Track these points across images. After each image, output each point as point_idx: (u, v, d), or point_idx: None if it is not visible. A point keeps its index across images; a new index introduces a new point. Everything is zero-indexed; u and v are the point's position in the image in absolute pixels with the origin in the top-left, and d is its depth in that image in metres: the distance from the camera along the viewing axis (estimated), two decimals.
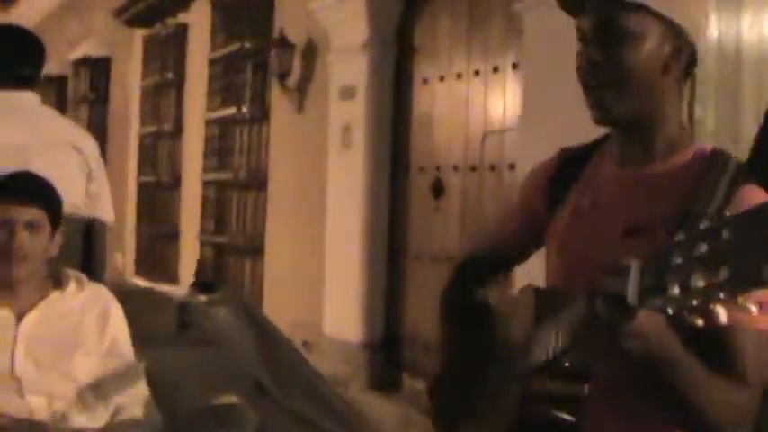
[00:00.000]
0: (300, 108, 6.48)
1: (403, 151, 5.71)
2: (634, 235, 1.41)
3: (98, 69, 10.87)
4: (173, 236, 8.65)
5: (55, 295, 2.42)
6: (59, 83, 11.65)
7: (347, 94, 5.84)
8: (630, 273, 1.14)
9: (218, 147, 7.72)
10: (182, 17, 8.68)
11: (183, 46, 8.65)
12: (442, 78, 5.42)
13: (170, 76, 8.82)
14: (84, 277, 2.53)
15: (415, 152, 5.64)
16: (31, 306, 2.38)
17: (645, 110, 1.46)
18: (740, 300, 1.04)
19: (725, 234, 1.04)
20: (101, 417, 2.38)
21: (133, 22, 9.48)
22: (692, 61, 1.48)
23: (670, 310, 1.09)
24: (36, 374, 2.32)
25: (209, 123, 7.89)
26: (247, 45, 7.20)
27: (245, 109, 7.20)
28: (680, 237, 1.09)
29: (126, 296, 2.65)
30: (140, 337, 2.61)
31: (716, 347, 1.34)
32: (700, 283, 1.05)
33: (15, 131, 2.91)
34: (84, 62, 10.98)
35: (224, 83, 7.66)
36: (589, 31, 1.46)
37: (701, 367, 1.31)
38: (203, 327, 3.15)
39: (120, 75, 10.34)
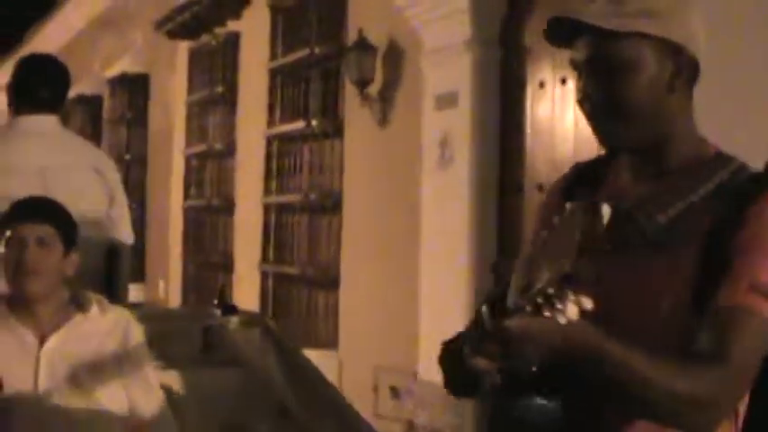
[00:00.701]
0: (384, 120, 5.71)
1: (515, 167, 4.91)
2: None
3: (136, 87, 10.26)
4: (225, 265, 7.89)
5: (78, 318, 2.49)
6: (95, 103, 11.06)
7: (446, 101, 5.06)
8: (512, 278, 1.29)
9: (281, 166, 6.98)
10: (232, 25, 7.97)
11: (234, 56, 7.93)
12: (563, 81, 4.64)
13: (220, 89, 8.08)
14: (105, 300, 2.60)
15: (530, 168, 4.84)
16: (54, 328, 2.45)
17: (654, 132, 1.46)
18: (572, 297, 1.18)
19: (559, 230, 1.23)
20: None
21: (176, 34, 8.78)
22: (696, 72, 1.48)
23: (528, 308, 1.22)
24: (58, 398, 2.38)
25: (269, 140, 7.14)
26: (316, 51, 6.44)
27: (314, 123, 6.43)
28: (543, 234, 1.28)
29: (149, 318, 2.72)
30: (164, 360, 2.72)
31: (712, 325, 1.36)
32: (545, 277, 1.21)
33: (36, 154, 3.01)
34: (121, 80, 10.38)
35: (287, 95, 6.91)
36: (583, 65, 1.46)
37: (639, 354, 1.32)
38: (227, 349, 3.11)
39: (161, 91, 9.68)
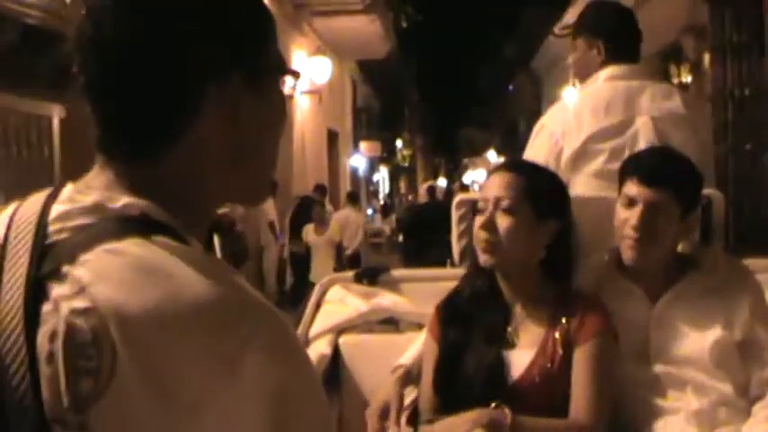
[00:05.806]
0: None
1: None
2: None
3: None
4: None
5: (691, 276, 2.30)
6: None
7: None
8: None
9: None
10: None
11: None
12: None
13: None
14: (720, 252, 2.44)
15: None
16: (666, 286, 2.30)
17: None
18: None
19: None
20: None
21: None
22: None
23: None
24: (664, 345, 2.27)
25: None
26: None
27: None
28: None
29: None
30: None
31: None
32: None
33: (641, 103, 2.95)
34: None
35: None
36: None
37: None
38: None
39: None
